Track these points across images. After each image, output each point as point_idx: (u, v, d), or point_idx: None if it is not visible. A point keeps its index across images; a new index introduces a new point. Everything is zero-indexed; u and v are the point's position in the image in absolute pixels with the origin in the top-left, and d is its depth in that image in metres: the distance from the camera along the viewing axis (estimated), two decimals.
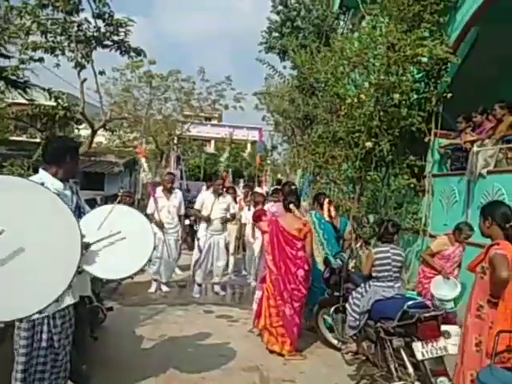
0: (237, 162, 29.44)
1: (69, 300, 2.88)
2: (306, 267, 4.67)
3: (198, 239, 7.23)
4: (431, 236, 6.91)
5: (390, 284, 4.06)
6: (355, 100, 7.29)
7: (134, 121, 23.31)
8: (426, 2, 7.11)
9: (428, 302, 3.77)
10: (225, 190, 7.73)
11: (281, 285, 4.63)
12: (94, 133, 8.27)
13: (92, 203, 9.54)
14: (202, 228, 7.23)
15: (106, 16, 7.92)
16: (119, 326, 5.32)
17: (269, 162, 25.04)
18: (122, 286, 7.44)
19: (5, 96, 11.88)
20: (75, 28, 8.10)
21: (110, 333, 5.07)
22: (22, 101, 10.91)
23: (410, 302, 3.66)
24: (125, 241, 2.94)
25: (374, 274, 4.12)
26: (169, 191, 7.33)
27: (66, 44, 8.09)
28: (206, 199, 7.23)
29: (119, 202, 3.26)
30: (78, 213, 3.03)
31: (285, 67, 12.10)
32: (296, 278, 4.63)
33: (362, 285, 4.20)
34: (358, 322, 4.08)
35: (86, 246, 2.72)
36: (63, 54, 8.25)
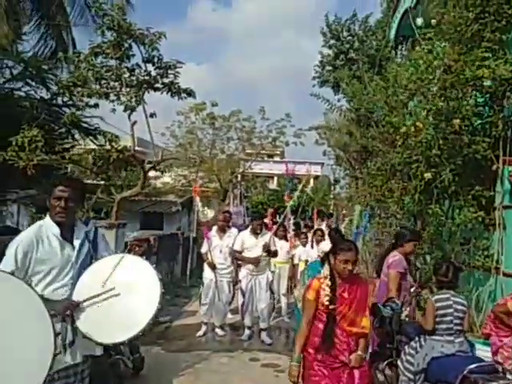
0: (301, 198, 29.04)
1: (69, 359, 2.65)
2: None
3: (240, 281, 6.88)
4: (505, 275, 6.10)
5: (450, 338, 3.45)
6: (412, 129, 6.81)
7: (199, 161, 24.03)
8: (486, 19, 6.56)
9: (498, 366, 3.06)
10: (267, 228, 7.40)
11: None
12: (145, 174, 8.33)
13: (145, 243, 9.60)
14: (243, 269, 6.89)
15: (156, 60, 8.10)
16: (158, 375, 5.05)
17: (332, 196, 24.49)
18: (169, 330, 7.25)
19: (78, 143, 12.57)
20: (127, 74, 8.33)
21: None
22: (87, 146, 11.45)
23: (473, 366, 3.03)
24: (125, 298, 2.65)
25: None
26: (222, 230, 7.12)
27: (119, 89, 8.31)
28: (246, 240, 6.82)
29: (129, 252, 2.96)
30: (89, 262, 2.84)
31: (339, 100, 11.81)
32: None
33: (417, 338, 3.62)
34: (412, 383, 3.49)
35: (75, 306, 2.57)
36: (118, 98, 8.45)
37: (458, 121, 6.34)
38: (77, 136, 12.68)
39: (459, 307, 3.53)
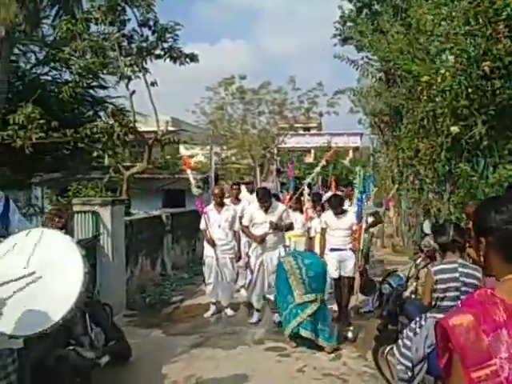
0: (337, 170, 28.00)
1: None
2: None
3: (249, 257, 6.30)
4: None
5: None
6: (438, 78, 5.92)
7: (230, 137, 23.55)
8: None
9: None
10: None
11: None
12: (149, 148, 7.87)
13: (157, 221, 9.20)
14: (253, 244, 6.28)
15: (152, 23, 7.54)
16: (148, 362, 4.60)
17: (371, 166, 23.42)
18: (178, 310, 6.84)
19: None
20: (125, 42, 7.83)
21: (132, 373, 4.38)
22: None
23: None
24: (42, 281, 2.18)
25: (433, 302, 2.82)
26: (220, 204, 6.58)
27: (118, 58, 7.81)
28: (255, 216, 6.15)
29: (43, 225, 2.45)
30: None
31: (362, 58, 10.80)
32: None
33: (417, 319, 2.90)
34: (409, 374, 2.79)
35: None
36: (121, 72, 7.95)
37: (488, 63, 5.42)
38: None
39: (469, 280, 2.78)
